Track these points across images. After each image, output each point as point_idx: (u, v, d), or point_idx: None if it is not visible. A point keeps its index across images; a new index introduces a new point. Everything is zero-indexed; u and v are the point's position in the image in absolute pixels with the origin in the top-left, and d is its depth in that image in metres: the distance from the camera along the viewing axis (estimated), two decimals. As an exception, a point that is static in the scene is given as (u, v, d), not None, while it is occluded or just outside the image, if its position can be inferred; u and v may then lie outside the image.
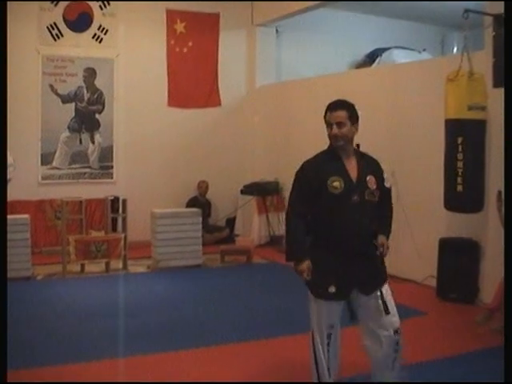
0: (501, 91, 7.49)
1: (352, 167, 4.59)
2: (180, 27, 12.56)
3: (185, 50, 12.68)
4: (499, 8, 7.50)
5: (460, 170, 7.47)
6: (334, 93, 10.88)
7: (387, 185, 4.74)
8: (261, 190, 12.27)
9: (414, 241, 8.95)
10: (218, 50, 12.94)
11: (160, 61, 12.44)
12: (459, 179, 7.49)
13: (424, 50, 13.47)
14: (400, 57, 12.65)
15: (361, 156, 4.72)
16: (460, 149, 7.46)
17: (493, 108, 7.58)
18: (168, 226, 9.91)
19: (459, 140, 7.48)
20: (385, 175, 4.74)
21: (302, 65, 12.92)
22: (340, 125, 4.51)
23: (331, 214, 4.55)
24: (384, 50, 13.30)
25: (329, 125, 4.57)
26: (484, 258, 7.94)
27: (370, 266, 4.54)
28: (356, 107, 4.64)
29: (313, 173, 4.59)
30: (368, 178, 4.57)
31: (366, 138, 9.60)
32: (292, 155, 12.13)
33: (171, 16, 12.47)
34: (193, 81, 12.74)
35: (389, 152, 9.18)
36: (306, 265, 4.52)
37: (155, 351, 6.09)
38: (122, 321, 6.97)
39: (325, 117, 4.63)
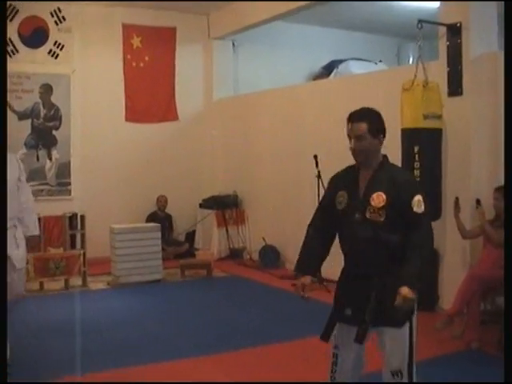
0: (455, 100, 7.62)
1: (364, 182, 4.15)
2: (136, 42, 12.54)
3: (141, 64, 12.66)
4: (453, 18, 7.62)
5: (417, 179, 7.51)
6: (293, 105, 11.08)
7: (416, 209, 3.95)
8: (220, 204, 12.26)
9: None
10: (174, 64, 12.94)
11: (117, 76, 12.39)
12: (417, 188, 7.53)
13: (380, 61, 13.57)
14: (356, 68, 12.73)
15: (382, 169, 4.13)
16: (416, 157, 7.51)
17: (448, 117, 7.66)
18: (127, 241, 9.83)
19: (416, 149, 7.53)
20: (416, 197, 3.96)
21: (258, 78, 12.98)
22: (359, 138, 4.07)
23: (341, 230, 4.24)
24: (340, 61, 13.39)
25: (349, 138, 4.15)
26: (443, 265, 7.99)
27: (368, 294, 3.97)
28: (381, 116, 4.17)
29: (331, 185, 4.44)
30: (374, 195, 4.03)
31: (324, 149, 9.72)
32: (250, 168, 12.18)
33: (127, 31, 12.44)
34: (150, 95, 12.72)
35: (347, 163, 9.22)
36: (301, 280, 4.28)
37: (116, 367, 6.05)
38: (83, 338, 6.90)
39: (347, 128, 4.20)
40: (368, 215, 4.02)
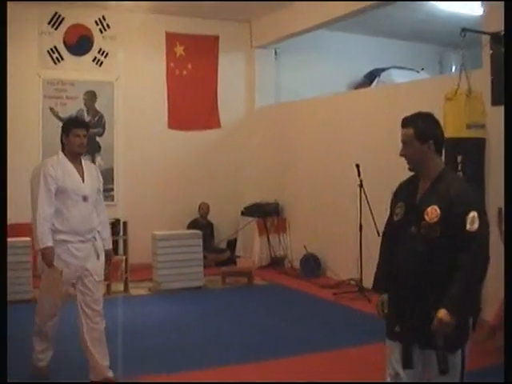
0: (499, 109, 7.52)
1: (422, 193, 3.92)
2: (179, 50, 12.64)
3: (184, 72, 12.76)
4: (496, 26, 7.55)
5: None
6: (334, 114, 11.06)
7: (469, 227, 3.66)
8: (261, 212, 12.27)
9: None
10: (217, 72, 13.02)
11: (160, 83, 12.52)
12: (459, 197, 7.48)
13: (422, 69, 13.53)
14: (398, 77, 12.68)
15: (440, 180, 3.87)
16: (459, 167, 7.46)
17: (492, 126, 7.59)
18: (169, 248, 9.90)
19: (459, 158, 7.47)
20: (471, 214, 3.67)
21: (300, 86, 12.94)
22: (405, 144, 3.92)
23: (396, 243, 3.98)
24: (382, 70, 13.36)
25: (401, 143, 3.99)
26: (486, 276, 7.91)
27: (423, 317, 3.73)
28: (432, 120, 3.96)
29: (394, 195, 4.16)
30: (429, 209, 3.77)
31: (366, 158, 9.69)
32: (292, 176, 12.17)
33: (171, 39, 12.55)
34: (192, 103, 12.80)
35: (389, 172, 9.20)
36: (379, 300, 4.06)
37: (156, 373, 6.09)
38: (123, 343, 6.94)
39: None
40: (422, 230, 3.78)
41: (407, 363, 3.82)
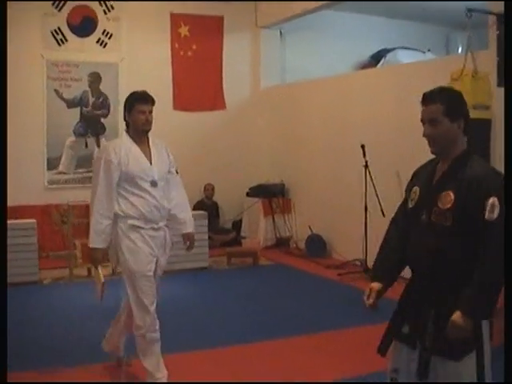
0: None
1: (438, 176, 3.46)
2: (184, 31, 12.59)
3: (189, 53, 12.71)
4: (502, 7, 7.51)
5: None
6: (340, 94, 11.04)
7: (488, 215, 3.15)
8: (266, 192, 12.28)
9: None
10: (222, 52, 12.97)
11: (164, 64, 12.47)
12: (465, 178, 7.47)
13: (428, 50, 13.47)
14: (405, 57, 12.66)
15: (459, 162, 3.42)
16: (465, 148, 7.44)
17: (497, 107, 7.58)
18: (174, 228, 9.89)
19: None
20: (490, 200, 3.16)
21: (306, 66, 12.92)
22: (432, 122, 3.36)
23: (410, 231, 3.55)
24: (389, 50, 13.32)
25: (422, 123, 3.44)
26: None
27: (427, 314, 3.35)
28: (461, 96, 3.49)
29: (411, 179, 3.74)
30: (443, 194, 3.32)
31: (371, 139, 9.68)
32: (297, 156, 12.17)
33: (175, 19, 12.50)
34: (197, 84, 12.76)
35: (394, 152, 9.19)
36: (371, 286, 3.59)
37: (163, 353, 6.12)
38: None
39: None
40: (433, 218, 3.34)
41: (423, 374, 3.33)
